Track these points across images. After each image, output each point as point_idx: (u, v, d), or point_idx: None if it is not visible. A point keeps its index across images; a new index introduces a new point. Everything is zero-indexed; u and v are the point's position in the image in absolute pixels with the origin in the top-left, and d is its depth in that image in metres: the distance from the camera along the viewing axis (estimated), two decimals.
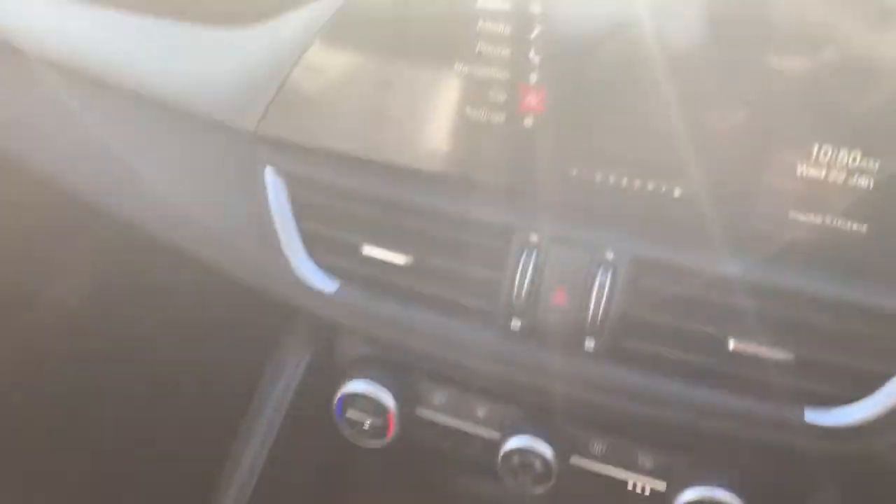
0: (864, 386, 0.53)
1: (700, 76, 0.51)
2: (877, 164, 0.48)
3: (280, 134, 0.64)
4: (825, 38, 0.47)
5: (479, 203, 0.59)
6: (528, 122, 0.56)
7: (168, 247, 0.74)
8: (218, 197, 0.71)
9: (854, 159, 0.48)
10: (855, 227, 0.50)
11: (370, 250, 0.62)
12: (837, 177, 0.49)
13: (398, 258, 0.61)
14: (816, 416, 0.54)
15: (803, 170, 0.50)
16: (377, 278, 0.64)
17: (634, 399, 0.59)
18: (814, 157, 0.49)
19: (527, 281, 0.57)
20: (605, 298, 0.55)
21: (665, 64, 0.51)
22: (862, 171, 0.48)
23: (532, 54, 0.55)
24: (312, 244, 0.66)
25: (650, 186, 0.54)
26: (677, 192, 0.54)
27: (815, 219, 0.51)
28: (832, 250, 0.51)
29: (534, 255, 0.57)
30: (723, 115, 0.51)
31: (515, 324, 0.59)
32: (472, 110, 0.57)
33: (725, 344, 0.54)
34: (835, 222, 0.50)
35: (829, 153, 0.49)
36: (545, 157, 0.57)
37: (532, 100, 0.56)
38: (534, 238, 0.57)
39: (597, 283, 0.55)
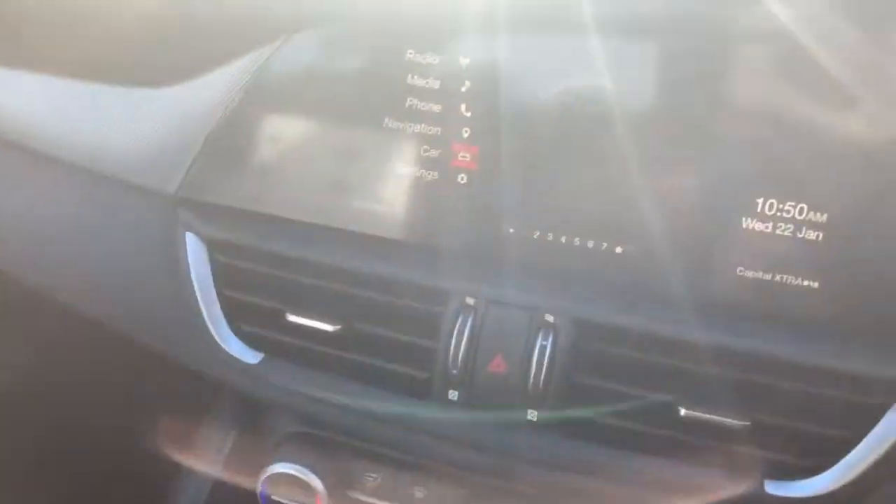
0: (827, 454, 0.50)
1: (638, 133, 0.49)
2: (824, 217, 0.46)
3: (201, 197, 0.60)
4: (767, 101, 0.46)
5: (411, 266, 0.56)
6: (462, 179, 0.54)
7: (85, 316, 0.69)
8: (134, 264, 0.66)
9: (801, 212, 0.46)
10: (806, 282, 0.47)
11: (296, 318, 0.58)
12: (784, 231, 0.47)
13: (326, 326, 0.57)
14: (777, 488, 0.50)
15: (750, 224, 0.48)
16: (304, 348, 0.59)
17: (583, 472, 0.54)
18: (759, 212, 0.48)
19: (463, 348, 0.53)
20: (546, 364, 0.51)
21: (602, 120, 0.49)
22: (809, 225, 0.46)
23: (463, 109, 0.52)
24: (234, 313, 0.61)
25: (590, 244, 0.52)
26: (619, 250, 0.51)
27: (764, 275, 0.48)
28: (784, 308, 0.49)
29: (470, 319, 0.53)
30: (664, 171, 0.49)
31: (453, 394, 0.55)
32: (403, 168, 0.55)
33: (677, 411, 0.51)
34: (785, 278, 0.48)
35: (775, 208, 0.47)
36: (480, 215, 0.54)
37: (465, 156, 0.53)
38: (470, 301, 0.54)
39: (537, 348, 0.51)
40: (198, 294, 0.61)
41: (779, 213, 0.47)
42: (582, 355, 0.52)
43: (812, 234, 0.47)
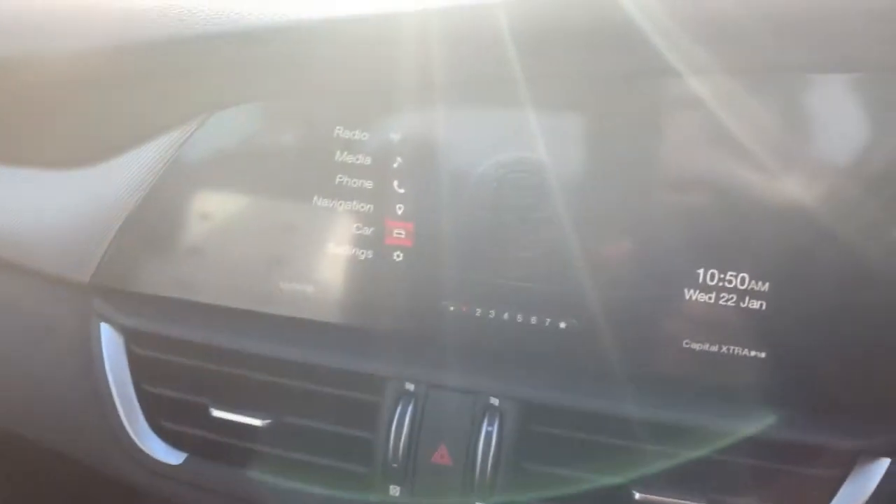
0: None
1: (575, 206, 0.47)
2: (766, 286, 0.45)
3: (117, 285, 0.56)
4: (701, 171, 0.45)
5: (346, 351, 0.53)
6: (397, 257, 0.51)
7: None
8: (43, 360, 0.61)
9: (743, 282, 0.45)
10: (753, 353, 0.46)
11: (221, 413, 0.54)
12: (728, 302, 0.46)
13: (254, 420, 0.53)
14: None
15: (692, 296, 0.47)
16: (231, 445, 0.55)
17: None
18: (702, 283, 0.46)
19: (403, 438, 0.49)
20: (493, 452, 0.48)
21: (537, 192, 0.48)
22: (752, 294, 0.45)
23: (396, 185, 0.50)
24: (154, 410, 0.57)
25: (533, 320, 0.49)
26: (563, 325, 0.49)
27: (710, 347, 0.47)
28: (733, 380, 0.47)
29: (410, 407, 0.50)
30: (603, 243, 0.48)
31: (394, 490, 0.51)
32: (336, 247, 0.52)
33: (631, 496, 0.48)
34: (732, 350, 0.47)
35: (717, 278, 0.46)
36: (417, 294, 0.51)
37: (400, 233, 0.51)
38: (410, 387, 0.51)
39: (482, 435, 0.48)
40: (113, 390, 0.57)
41: (721, 284, 0.46)
42: (530, 439, 0.49)
43: (755, 304, 0.46)
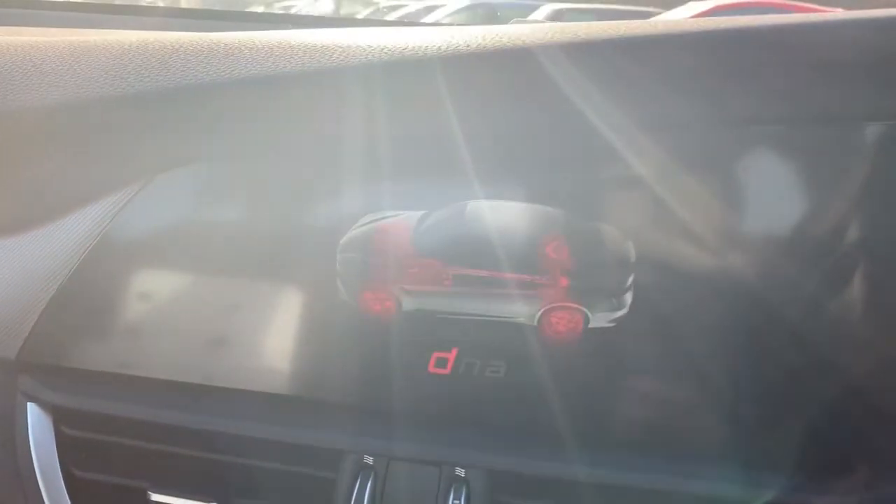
0: None
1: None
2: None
3: (46, 360, 0.52)
4: None
5: (297, 424, 0.49)
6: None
7: None
8: None
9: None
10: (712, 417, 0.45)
11: (162, 498, 0.50)
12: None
13: None
14: None
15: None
16: None
17: None
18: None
19: None
20: None
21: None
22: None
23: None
24: (83, 496, 0.53)
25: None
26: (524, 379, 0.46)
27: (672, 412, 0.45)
28: (699, 446, 0.46)
29: (370, 482, 0.46)
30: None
31: None
32: (282, 316, 0.49)
33: None
34: (691, 415, 0.45)
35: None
36: (372, 361, 0.48)
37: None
38: (368, 461, 0.47)
39: None
40: (38, 476, 0.53)
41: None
42: None
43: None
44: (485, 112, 0.44)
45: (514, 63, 0.43)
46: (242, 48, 0.46)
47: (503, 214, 0.45)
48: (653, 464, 0.46)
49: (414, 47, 0.43)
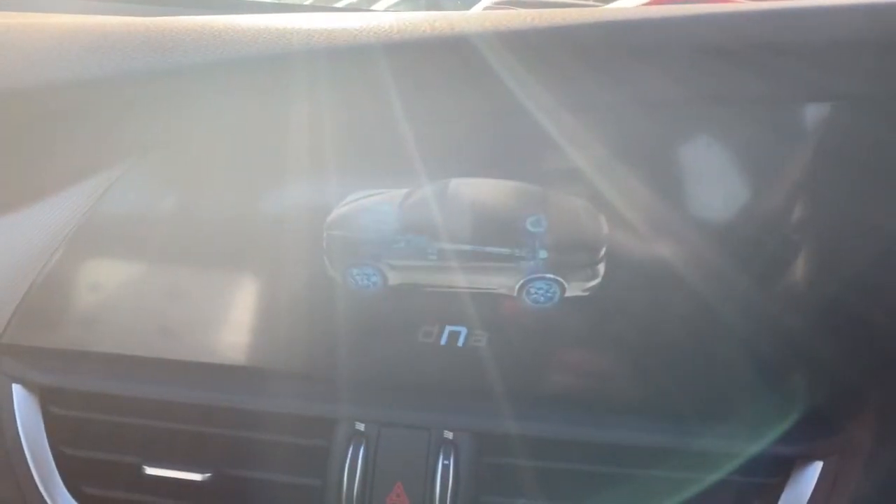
0: None
1: None
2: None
3: (30, 342, 0.52)
4: None
5: (289, 395, 0.50)
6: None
7: None
8: None
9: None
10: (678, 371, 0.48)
11: (156, 471, 0.50)
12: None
13: (192, 475, 0.50)
14: None
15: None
16: None
17: None
18: None
19: (357, 482, 0.48)
20: (450, 487, 0.47)
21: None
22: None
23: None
24: (74, 473, 0.53)
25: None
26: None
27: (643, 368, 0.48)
28: (670, 400, 0.49)
29: (362, 448, 0.48)
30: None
31: None
32: (269, 289, 0.50)
33: None
34: (661, 371, 0.48)
35: None
36: (361, 331, 0.50)
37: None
38: (360, 428, 0.49)
39: (439, 470, 0.47)
40: (28, 455, 0.53)
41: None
42: (487, 471, 0.49)
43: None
44: (432, 98, 0.45)
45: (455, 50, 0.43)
46: (186, 33, 0.45)
47: (484, 191, 0.47)
48: (628, 421, 0.49)
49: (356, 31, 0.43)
